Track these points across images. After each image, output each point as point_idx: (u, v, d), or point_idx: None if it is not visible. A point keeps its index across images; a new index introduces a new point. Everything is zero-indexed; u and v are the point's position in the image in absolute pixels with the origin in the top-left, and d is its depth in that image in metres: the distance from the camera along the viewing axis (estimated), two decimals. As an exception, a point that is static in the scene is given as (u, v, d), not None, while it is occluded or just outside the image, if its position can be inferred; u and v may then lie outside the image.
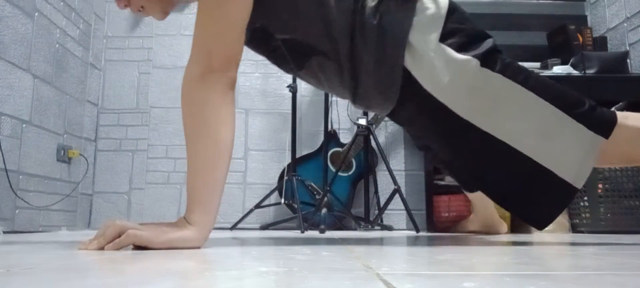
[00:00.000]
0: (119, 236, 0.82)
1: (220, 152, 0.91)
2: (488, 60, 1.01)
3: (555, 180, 0.99)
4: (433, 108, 1.02)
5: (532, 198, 1.03)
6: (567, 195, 1.00)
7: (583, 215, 2.03)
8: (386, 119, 2.58)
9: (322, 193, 2.22)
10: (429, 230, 2.22)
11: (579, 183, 0.99)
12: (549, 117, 1.00)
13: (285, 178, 2.39)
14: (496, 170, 1.04)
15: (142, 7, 1.06)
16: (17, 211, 1.90)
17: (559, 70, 2.24)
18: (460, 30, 1.02)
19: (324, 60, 1.07)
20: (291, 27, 1.05)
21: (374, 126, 2.38)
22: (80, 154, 2.38)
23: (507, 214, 2.30)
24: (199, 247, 0.88)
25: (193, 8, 2.61)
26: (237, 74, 0.96)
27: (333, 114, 2.62)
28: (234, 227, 2.36)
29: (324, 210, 2.07)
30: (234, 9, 0.92)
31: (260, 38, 1.09)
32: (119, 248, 0.82)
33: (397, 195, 2.17)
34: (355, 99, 1.16)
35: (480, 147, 1.02)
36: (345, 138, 2.59)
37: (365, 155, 2.41)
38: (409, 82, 1.02)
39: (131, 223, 0.83)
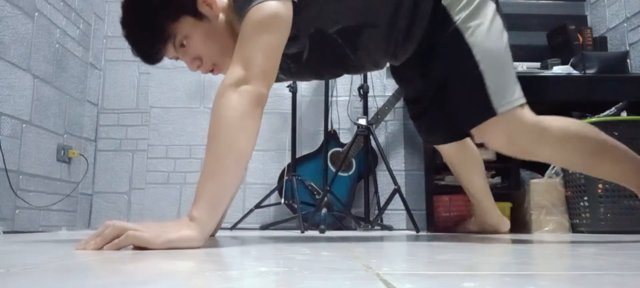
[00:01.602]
0: (118, 237, 0.81)
1: (235, 158, 0.95)
2: (499, 6, 1.25)
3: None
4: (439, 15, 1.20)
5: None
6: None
7: (583, 215, 2.03)
8: (386, 119, 2.58)
9: (322, 193, 2.22)
10: (429, 230, 2.22)
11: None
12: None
13: (285, 178, 2.39)
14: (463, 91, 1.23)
15: (213, 65, 1.19)
16: (17, 211, 1.90)
17: (559, 70, 2.24)
18: None
19: (373, 30, 1.22)
20: (348, 15, 1.20)
21: (374, 126, 2.38)
22: (80, 154, 2.38)
23: (507, 214, 2.30)
24: (198, 247, 0.88)
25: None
26: (268, 93, 1.02)
27: (333, 114, 2.62)
28: (234, 227, 2.36)
29: (324, 210, 2.07)
30: (273, 36, 1.03)
31: (316, 41, 1.21)
32: (118, 249, 0.82)
33: (397, 195, 2.17)
34: (397, 53, 1.29)
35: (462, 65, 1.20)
36: (345, 138, 2.59)
37: (365, 155, 2.41)
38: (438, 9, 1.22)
39: (130, 224, 0.83)
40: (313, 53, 1.25)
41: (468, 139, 1.66)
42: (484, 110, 1.17)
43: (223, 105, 0.97)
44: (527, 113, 1.20)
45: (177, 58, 1.20)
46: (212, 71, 1.21)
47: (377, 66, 1.36)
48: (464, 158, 1.69)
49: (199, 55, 1.17)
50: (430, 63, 1.29)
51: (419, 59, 1.31)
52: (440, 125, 1.52)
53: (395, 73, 1.50)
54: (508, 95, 1.17)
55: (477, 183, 1.73)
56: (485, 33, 1.19)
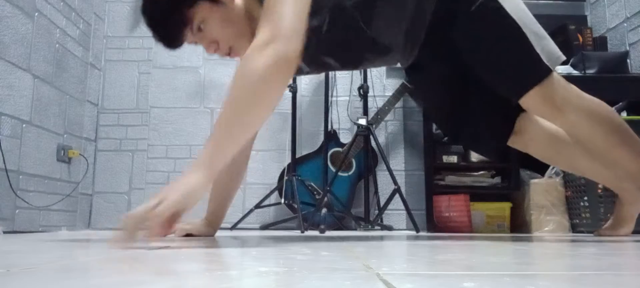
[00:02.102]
0: (139, 226, 0.82)
1: (242, 125, 0.95)
2: None
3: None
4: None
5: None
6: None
7: (583, 215, 2.03)
8: (386, 119, 2.58)
9: (322, 193, 2.22)
10: (429, 230, 2.22)
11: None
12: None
13: (285, 178, 2.39)
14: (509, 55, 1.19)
15: (230, 48, 1.22)
16: (17, 211, 1.90)
17: (559, 70, 2.24)
18: None
19: (386, 2, 1.21)
20: None
21: (374, 126, 2.38)
22: (80, 154, 2.38)
23: (507, 214, 2.30)
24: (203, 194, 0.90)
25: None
26: (296, 56, 0.97)
27: (333, 114, 2.62)
28: (234, 227, 2.36)
29: (324, 210, 2.07)
30: None
31: (335, 14, 1.21)
32: (159, 234, 0.85)
33: (397, 195, 2.17)
34: (414, 27, 1.26)
35: (501, 28, 1.18)
36: (345, 138, 2.59)
37: (365, 155, 2.41)
38: None
39: (141, 211, 0.83)
40: (331, 27, 1.25)
41: (534, 122, 1.38)
42: (539, 69, 1.16)
43: (244, 67, 0.95)
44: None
45: (195, 43, 1.23)
46: (229, 54, 1.24)
47: (395, 42, 1.30)
48: (550, 145, 1.38)
49: (216, 39, 1.20)
50: (457, 42, 1.25)
51: (439, 43, 1.27)
52: (483, 119, 1.38)
53: (415, 75, 1.43)
54: (553, 52, 1.18)
55: (585, 165, 1.39)
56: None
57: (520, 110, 1.32)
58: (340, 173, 2.40)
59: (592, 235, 1.66)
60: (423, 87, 1.50)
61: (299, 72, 1.34)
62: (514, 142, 1.41)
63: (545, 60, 1.16)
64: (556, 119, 1.21)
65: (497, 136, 1.42)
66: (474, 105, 1.39)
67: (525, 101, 1.20)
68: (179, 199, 0.85)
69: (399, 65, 1.47)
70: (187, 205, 0.86)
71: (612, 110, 1.24)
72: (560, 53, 1.19)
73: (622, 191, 1.42)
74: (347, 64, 1.38)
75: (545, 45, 1.18)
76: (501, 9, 1.17)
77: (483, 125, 1.41)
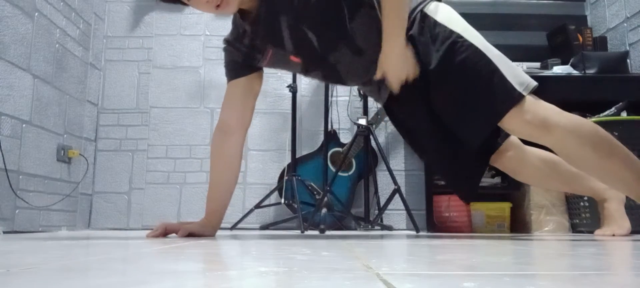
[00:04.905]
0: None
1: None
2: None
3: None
4: (437, 31, 1.28)
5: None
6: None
7: (583, 215, 2.03)
8: (386, 119, 2.58)
9: (322, 193, 2.22)
10: (429, 230, 2.22)
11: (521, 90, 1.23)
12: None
13: (285, 178, 2.39)
14: (478, 81, 1.24)
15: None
16: (17, 211, 1.90)
17: (559, 70, 2.24)
18: None
19: (370, 9, 1.29)
20: None
21: (374, 126, 2.38)
22: (80, 154, 2.38)
23: (507, 214, 2.31)
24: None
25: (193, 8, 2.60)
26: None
27: (333, 114, 2.62)
28: (234, 227, 2.36)
29: (324, 210, 2.07)
30: None
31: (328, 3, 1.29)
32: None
33: (397, 195, 2.17)
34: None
35: (468, 56, 1.24)
36: (345, 138, 2.59)
37: (365, 155, 2.41)
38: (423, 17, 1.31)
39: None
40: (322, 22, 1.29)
41: (514, 151, 1.46)
42: (511, 96, 1.21)
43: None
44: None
45: None
46: (219, 6, 1.24)
47: (368, 49, 1.32)
48: (532, 169, 1.47)
49: None
50: (433, 78, 1.28)
51: (416, 83, 1.32)
52: (461, 154, 1.43)
53: (397, 117, 1.51)
54: (524, 80, 1.24)
55: (562, 180, 1.48)
56: (478, 34, 1.28)
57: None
58: (340, 173, 2.40)
59: (592, 235, 1.66)
60: (403, 124, 1.53)
61: (280, 43, 1.33)
62: (502, 164, 1.47)
63: (517, 87, 1.21)
64: (544, 137, 1.23)
65: (476, 167, 1.50)
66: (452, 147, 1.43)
67: (507, 126, 1.24)
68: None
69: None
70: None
71: (595, 124, 1.26)
72: (531, 80, 1.24)
73: (600, 194, 1.55)
74: (324, 44, 1.33)
75: (517, 74, 1.24)
76: (475, 50, 1.23)
77: (455, 160, 1.46)
